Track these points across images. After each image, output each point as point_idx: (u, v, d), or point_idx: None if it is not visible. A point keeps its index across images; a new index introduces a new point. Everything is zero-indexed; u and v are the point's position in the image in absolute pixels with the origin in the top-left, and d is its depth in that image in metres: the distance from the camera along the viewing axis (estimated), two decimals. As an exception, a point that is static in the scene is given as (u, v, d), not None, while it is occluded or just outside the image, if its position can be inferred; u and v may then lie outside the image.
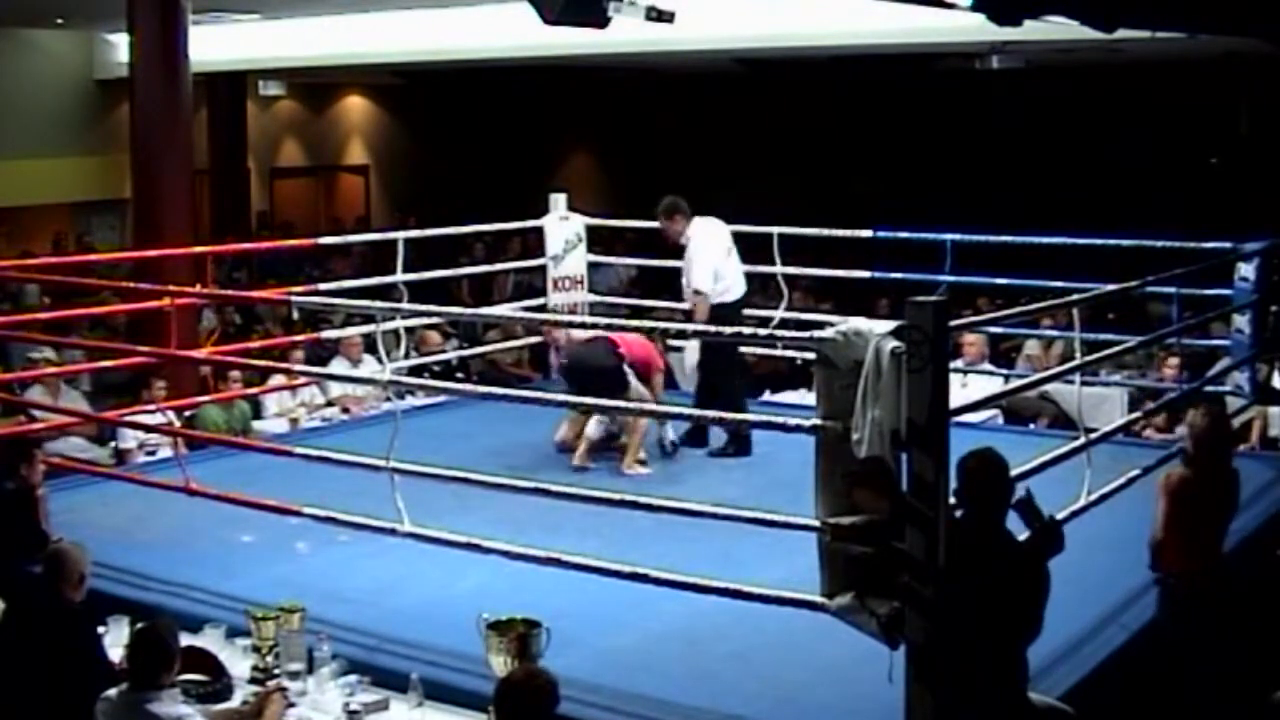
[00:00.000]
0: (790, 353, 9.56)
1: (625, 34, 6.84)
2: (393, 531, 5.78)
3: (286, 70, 17.89)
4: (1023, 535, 4.81)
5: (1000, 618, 4.64)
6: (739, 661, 5.37)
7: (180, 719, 4.45)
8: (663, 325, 7.78)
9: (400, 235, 9.51)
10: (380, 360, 6.57)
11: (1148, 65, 15.90)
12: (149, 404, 8.45)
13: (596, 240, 10.44)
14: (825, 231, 9.29)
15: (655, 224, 8.99)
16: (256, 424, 9.68)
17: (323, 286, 9.76)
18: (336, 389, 10.26)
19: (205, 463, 7.41)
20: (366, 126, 21.84)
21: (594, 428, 7.98)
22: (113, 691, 4.52)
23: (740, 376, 8.63)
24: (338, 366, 10.07)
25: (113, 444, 9.28)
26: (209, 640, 5.43)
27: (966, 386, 8.87)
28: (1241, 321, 8.11)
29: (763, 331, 6.93)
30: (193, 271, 9.54)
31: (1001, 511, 4.73)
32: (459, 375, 10.83)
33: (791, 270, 9.48)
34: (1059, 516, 5.70)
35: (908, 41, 12.32)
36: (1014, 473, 4.86)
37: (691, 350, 8.77)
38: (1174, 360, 9.00)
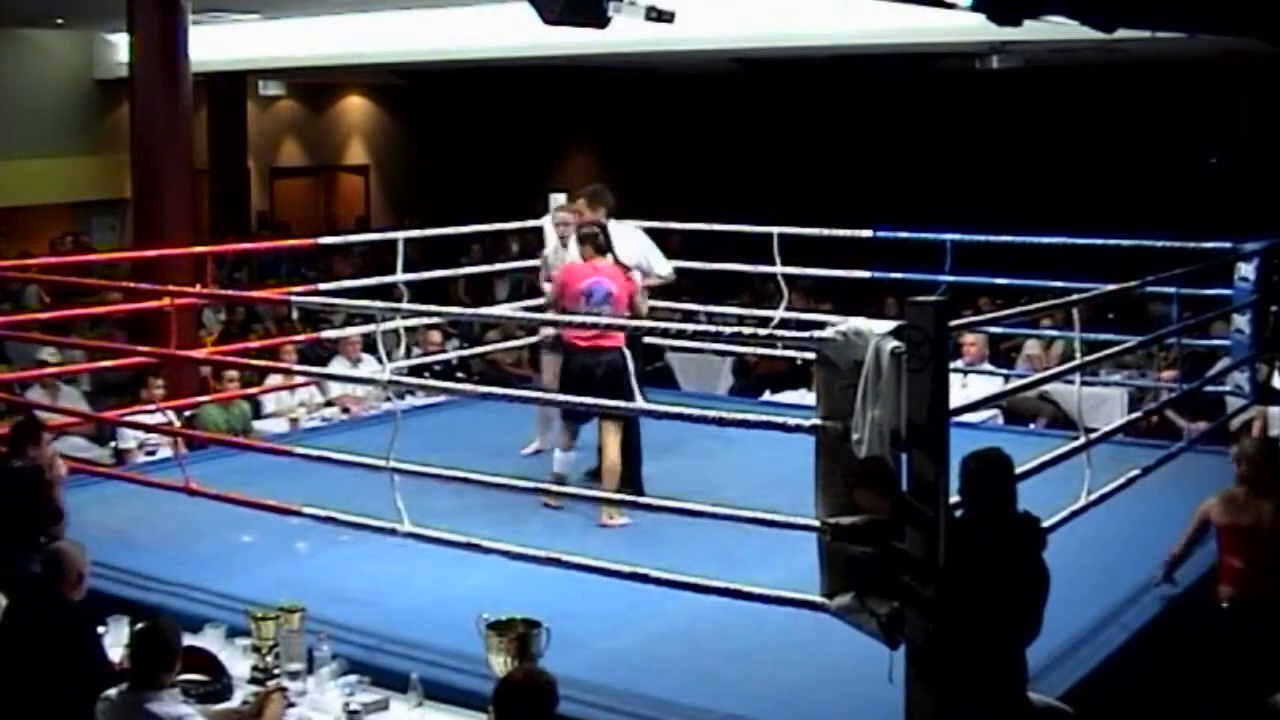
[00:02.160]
0: (790, 353, 9.56)
1: (625, 34, 6.84)
2: (393, 531, 5.78)
3: (286, 70, 17.89)
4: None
5: (1000, 618, 4.64)
6: (739, 661, 5.37)
7: (180, 719, 4.46)
8: (662, 325, 7.75)
9: (400, 235, 9.51)
10: (380, 360, 6.56)
11: (1148, 65, 15.91)
12: (148, 404, 8.45)
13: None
14: (825, 231, 9.28)
15: (654, 224, 8.96)
16: (256, 424, 9.69)
17: (323, 286, 9.77)
18: (336, 389, 10.27)
19: (205, 463, 7.41)
20: (366, 126, 21.85)
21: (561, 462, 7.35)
22: (113, 691, 4.52)
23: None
24: (337, 366, 10.08)
25: (113, 444, 9.29)
26: (209, 640, 5.43)
27: (966, 386, 8.87)
28: (1241, 321, 8.10)
29: (763, 331, 6.93)
30: (193, 271, 9.55)
31: (1002, 512, 4.74)
32: (459, 375, 10.83)
33: (791, 270, 9.47)
34: (1060, 516, 5.73)
35: (908, 41, 12.32)
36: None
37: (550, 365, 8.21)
38: (1169, 373, 8.97)
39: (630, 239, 8.09)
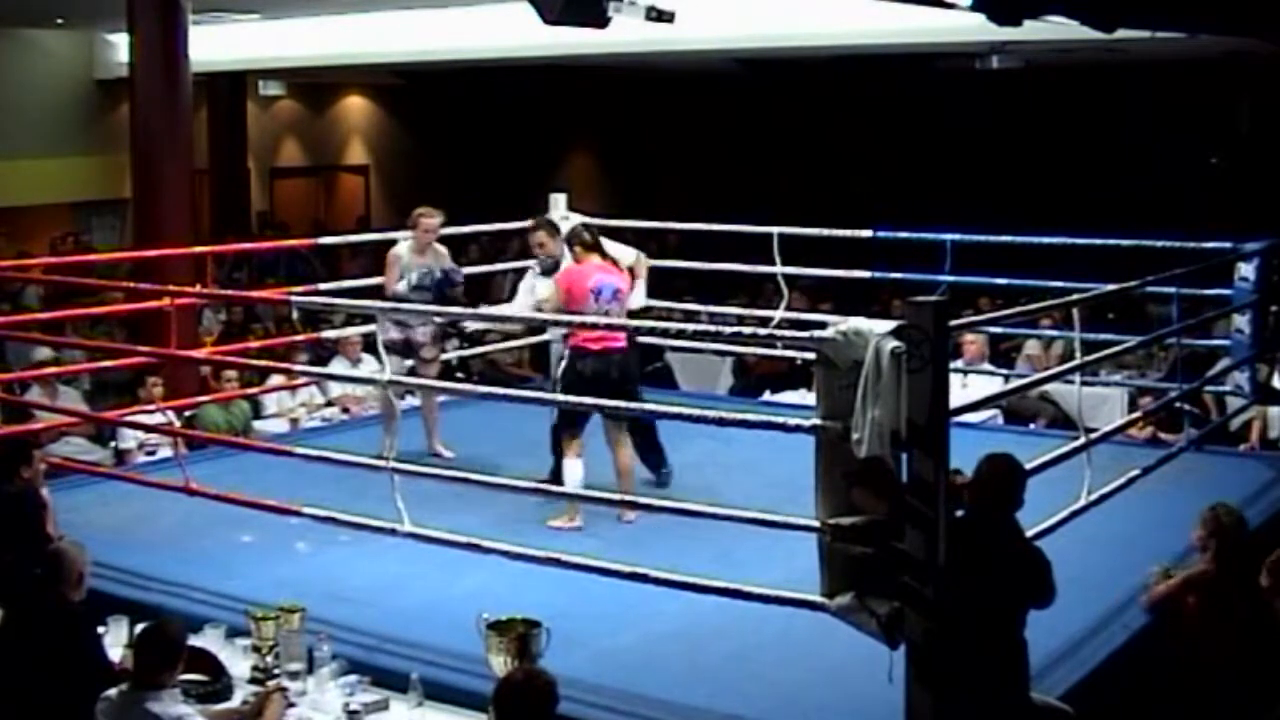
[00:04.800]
0: (790, 353, 9.56)
1: (625, 34, 6.83)
2: (393, 531, 5.78)
3: (286, 70, 17.89)
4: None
5: (1001, 617, 4.65)
6: (739, 661, 5.38)
7: (180, 719, 4.46)
8: (663, 325, 7.74)
9: (400, 235, 9.50)
10: (380, 360, 6.56)
11: (1148, 65, 15.91)
12: (148, 403, 8.45)
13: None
14: (825, 231, 9.28)
15: (654, 224, 8.97)
16: (256, 424, 9.69)
17: (322, 286, 9.77)
18: (336, 389, 10.27)
19: (205, 463, 7.42)
20: (366, 126, 21.84)
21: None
22: (112, 691, 4.52)
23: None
24: (337, 366, 10.08)
25: (113, 444, 9.28)
26: (209, 640, 5.43)
27: (967, 387, 8.87)
28: (1241, 321, 8.11)
29: (763, 331, 6.93)
30: (193, 271, 9.55)
31: (1003, 515, 4.75)
32: (459, 375, 10.82)
33: (791, 270, 9.47)
34: (1060, 516, 5.74)
35: (908, 41, 12.32)
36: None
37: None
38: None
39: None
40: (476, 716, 4.82)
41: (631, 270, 7.73)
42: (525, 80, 18.95)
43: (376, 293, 8.49)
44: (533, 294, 7.95)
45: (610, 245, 7.71)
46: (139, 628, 4.93)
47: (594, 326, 6.94)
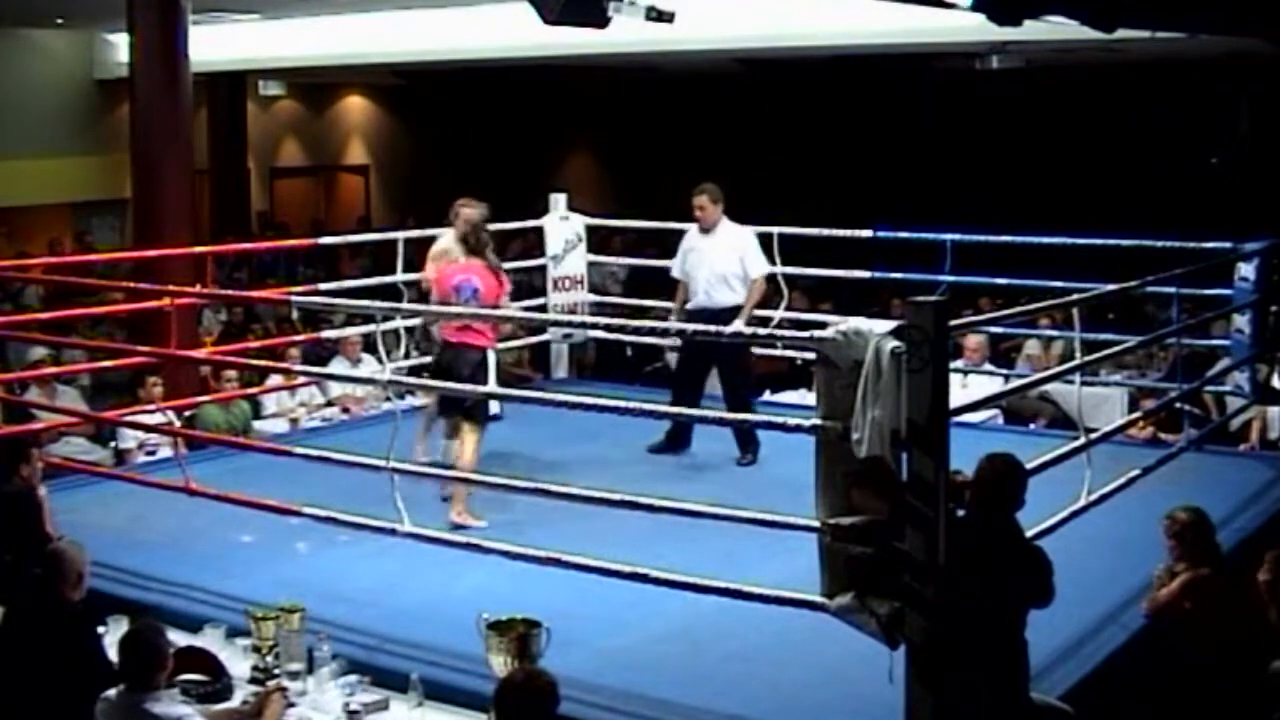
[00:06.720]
0: (790, 353, 9.55)
1: (625, 34, 6.84)
2: (393, 531, 5.78)
3: (286, 70, 17.89)
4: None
5: (1001, 617, 4.65)
6: (739, 661, 5.38)
7: (180, 719, 4.46)
8: (661, 325, 7.75)
9: (400, 235, 9.51)
10: (380, 360, 6.56)
11: (1148, 65, 15.90)
12: (147, 403, 8.45)
13: (591, 239, 10.44)
14: (825, 231, 9.28)
15: (654, 224, 8.94)
16: (256, 424, 9.69)
17: (323, 286, 9.76)
18: (336, 389, 10.27)
19: (205, 463, 7.42)
20: (366, 126, 21.84)
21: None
22: (112, 692, 4.52)
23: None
24: (337, 366, 10.08)
25: (113, 444, 9.28)
26: (209, 640, 5.44)
27: (966, 387, 8.87)
28: (1241, 321, 8.11)
29: (763, 331, 6.92)
30: (193, 271, 9.55)
31: (1004, 515, 4.75)
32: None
33: (791, 270, 9.46)
34: (1060, 516, 5.74)
35: (908, 41, 12.31)
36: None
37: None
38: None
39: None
40: (476, 716, 4.82)
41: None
42: (525, 80, 18.95)
43: (376, 292, 8.49)
44: None
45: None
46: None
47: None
